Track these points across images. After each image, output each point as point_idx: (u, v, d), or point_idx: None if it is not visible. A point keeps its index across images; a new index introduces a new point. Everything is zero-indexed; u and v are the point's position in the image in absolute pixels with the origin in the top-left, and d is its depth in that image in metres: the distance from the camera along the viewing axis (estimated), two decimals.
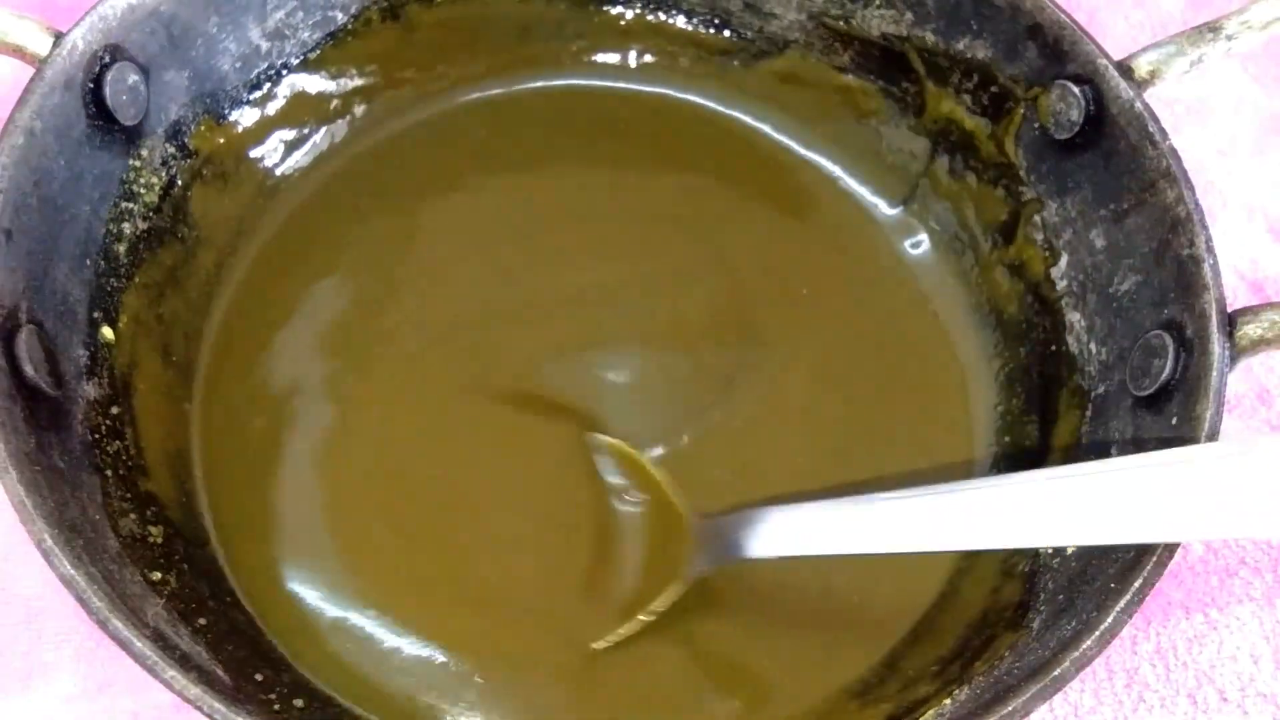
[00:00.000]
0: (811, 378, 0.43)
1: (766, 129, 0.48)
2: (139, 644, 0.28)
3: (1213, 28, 0.38)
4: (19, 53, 0.36)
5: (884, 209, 0.47)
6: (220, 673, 0.31)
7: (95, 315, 0.38)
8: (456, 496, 0.40)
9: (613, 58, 0.49)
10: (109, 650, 0.38)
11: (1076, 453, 0.38)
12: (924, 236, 0.46)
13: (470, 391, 0.42)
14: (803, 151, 0.48)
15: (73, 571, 0.28)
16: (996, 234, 0.44)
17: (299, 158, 0.46)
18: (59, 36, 0.36)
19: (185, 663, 0.28)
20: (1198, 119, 0.50)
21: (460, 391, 0.42)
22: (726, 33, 0.48)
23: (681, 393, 0.42)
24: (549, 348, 0.43)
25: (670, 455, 0.41)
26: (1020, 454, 0.41)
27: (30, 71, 0.36)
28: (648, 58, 0.49)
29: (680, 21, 0.48)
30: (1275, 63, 0.52)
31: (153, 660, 0.27)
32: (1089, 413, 0.39)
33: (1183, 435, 0.33)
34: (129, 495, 0.36)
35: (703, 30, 0.48)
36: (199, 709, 0.27)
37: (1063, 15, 0.40)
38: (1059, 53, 0.40)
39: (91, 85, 0.37)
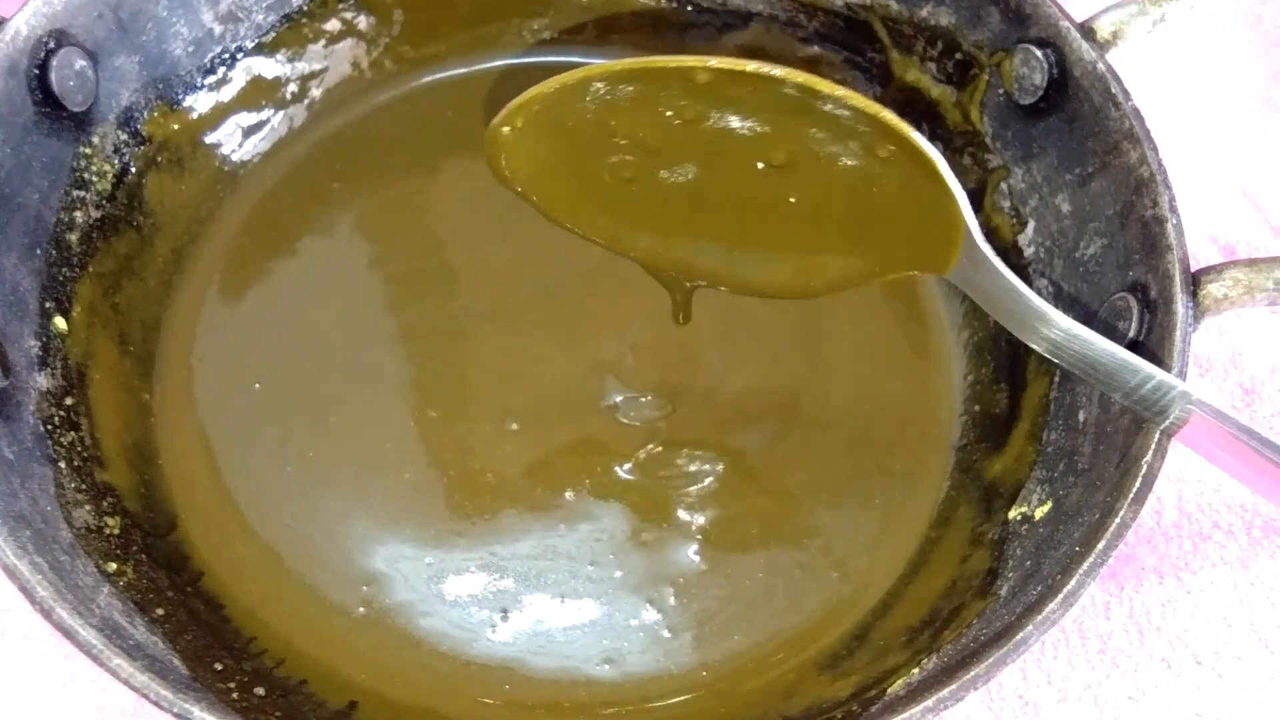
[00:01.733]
0: (778, 347, 0.42)
1: None
2: (84, 633, 0.27)
3: None
4: None
5: None
6: (177, 662, 0.31)
7: (47, 305, 0.37)
8: (430, 476, 0.39)
9: (575, 35, 0.48)
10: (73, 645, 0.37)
11: (1045, 418, 0.38)
12: None
13: (439, 376, 0.42)
14: None
15: (16, 561, 0.28)
16: None
17: (257, 143, 0.45)
18: (1, 22, 0.36)
19: (135, 652, 0.28)
20: (1170, 83, 0.50)
21: (429, 376, 0.42)
22: (690, 7, 0.47)
23: (665, 357, 0.42)
24: (519, 329, 0.42)
25: (657, 404, 0.41)
26: (989, 421, 0.41)
27: None
28: (610, 34, 0.48)
29: None
30: (1247, 26, 0.52)
31: (98, 649, 0.27)
32: (1057, 378, 0.39)
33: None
34: (84, 486, 0.35)
35: (665, 4, 0.48)
36: (146, 697, 0.26)
37: None
38: (1021, 16, 0.40)
39: (37, 71, 0.37)
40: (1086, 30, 0.38)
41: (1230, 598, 0.40)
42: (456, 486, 0.39)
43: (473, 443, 0.40)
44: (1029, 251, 0.41)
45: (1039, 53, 0.39)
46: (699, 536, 0.39)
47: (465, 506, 0.39)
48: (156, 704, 0.26)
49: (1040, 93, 0.39)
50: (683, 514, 0.40)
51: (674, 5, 0.48)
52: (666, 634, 0.38)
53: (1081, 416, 0.37)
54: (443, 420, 0.41)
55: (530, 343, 0.42)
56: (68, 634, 0.27)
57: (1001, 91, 0.41)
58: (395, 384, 0.41)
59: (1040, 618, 0.29)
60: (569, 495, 0.40)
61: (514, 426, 0.41)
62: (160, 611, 0.33)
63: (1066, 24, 0.38)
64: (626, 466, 0.40)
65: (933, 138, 0.44)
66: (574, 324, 0.43)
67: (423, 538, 0.39)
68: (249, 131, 0.45)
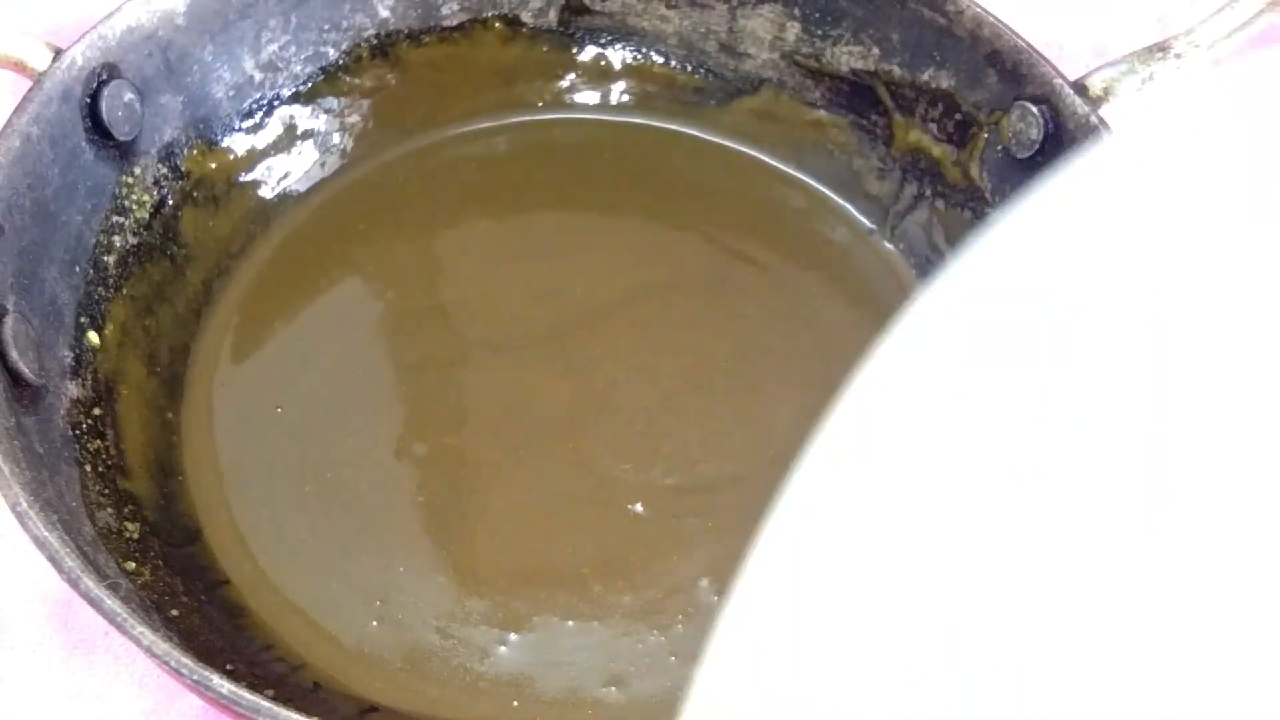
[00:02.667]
0: (798, 382, 0.44)
1: (749, 155, 0.50)
2: (109, 602, 0.28)
3: (1162, 48, 0.40)
4: (19, 67, 0.38)
5: (859, 234, 0.48)
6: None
7: (82, 320, 0.39)
8: (443, 501, 0.40)
9: (594, 97, 0.51)
10: (80, 658, 0.38)
11: None
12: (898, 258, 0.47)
13: (454, 406, 0.43)
14: (785, 175, 0.49)
15: (46, 533, 0.28)
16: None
17: (290, 185, 0.47)
18: (58, 52, 0.38)
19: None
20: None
21: (443, 406, 0.43)
22: (703, 72, 0.50)
23: (665, 412, 0.43)
24: (532, 363, 0.44)
25: (653, 469, 0.41)
26: None
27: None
28: (626, 97, 0.51)
29: (659, 62, 0.50)
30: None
31: (122, 618, 0.27)
32: None
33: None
34: (107, 491, 0.36)
35: (680, 70, 0.50)
36: (166, 664, 0.27)
37: (1020, 40, 0.42)
38: (1018, 76, 0.42)
39: (89, 100, 0.39)
40: (1079, 87, 0.40)
41: None
42: (469, 511, 0.40)
43: (486, 470, 0.41)
44: None
45: (1035, 109, 0.41)
46: (711, 569, 0.39)
47: (477, 530, 0.40)
48: (178, 670, 0.27)
49: (1037, 147, 0.41)
50: (695, 547, 0.40)
51: (688, 71, 0.50)
52: (673, 660, 0.38)
53: None
54: (456, 448, 0.42)
55: (543, 377, 0.43)
56: (93, 603, 0.28)
57: (999, 147, 0.43)
58: (411, 412, 0.42)
59: None
60: (580, 524, 0.40)
61: (526, 457, 0.41)
62: (175, 613, 0.34)
63: (1060, 81, 0.40)
64: (639, 501, 0.41)
65: (934, 195, 0.47)
66: (586, 359, 0.44)
67: (435, 557, 0.39)
68: (282, 174, 0.47)
